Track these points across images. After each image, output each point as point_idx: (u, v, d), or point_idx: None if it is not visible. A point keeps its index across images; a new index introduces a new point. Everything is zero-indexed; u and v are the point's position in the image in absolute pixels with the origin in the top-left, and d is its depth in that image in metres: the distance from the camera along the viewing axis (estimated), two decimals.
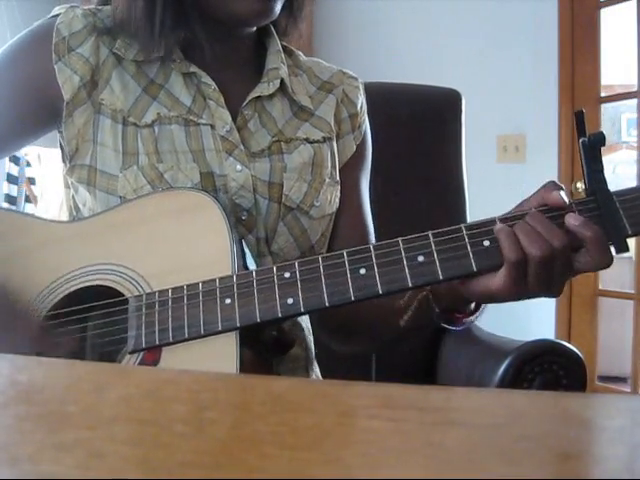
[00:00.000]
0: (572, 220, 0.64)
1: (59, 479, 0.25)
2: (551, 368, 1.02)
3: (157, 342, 0.67)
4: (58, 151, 0.84)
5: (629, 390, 2.53)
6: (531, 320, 2.37)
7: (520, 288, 0.65)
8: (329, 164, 0.87)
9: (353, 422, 0.33)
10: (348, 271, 0.66)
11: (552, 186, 0.66)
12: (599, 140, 0.66)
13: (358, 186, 0.92)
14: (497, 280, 0.64)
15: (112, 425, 0.31)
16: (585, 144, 0.67)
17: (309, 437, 0.30)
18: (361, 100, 0.93)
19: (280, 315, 0.66)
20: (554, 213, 0.65)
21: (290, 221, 0.82)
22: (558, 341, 1.09)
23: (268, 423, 0.32)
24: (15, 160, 2.41)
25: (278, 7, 0.79)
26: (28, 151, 2.45)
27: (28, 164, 2.48)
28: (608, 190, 0.66)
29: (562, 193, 0.65)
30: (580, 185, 2.49)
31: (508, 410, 0.35)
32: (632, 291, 2.51)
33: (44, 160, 2.53)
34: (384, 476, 0.26)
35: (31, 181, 2.51)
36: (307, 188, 0.83)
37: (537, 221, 0.64)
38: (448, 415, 0.35)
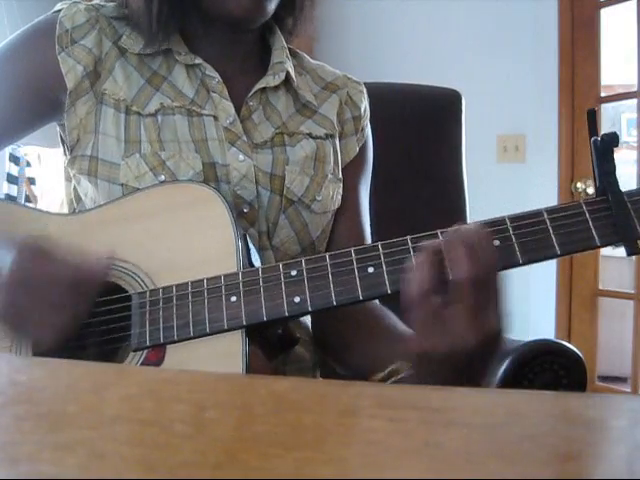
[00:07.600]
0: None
1: (59, 479, 0.25)
2: (551, 368, 1.02)
3: (162, 340, 0.66)
4: (58, 149, 0.84)
5: (629, 390, 2.52)
6: (531, 320, 2.37)
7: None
8: (331, 160, 0.87)
9: (353, 422, 0.33)
10: (356, 270, 0.64)
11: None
12: (612, 140, 0.65)
13: (357, 189, 0.92)
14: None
15: (112, 425, 0.31)
16: (597, 144, 0.65)
17: (309, 437, 0.30)
18: (365, 104, 0.94)
19: (287, 314, 0.65)
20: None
21: (291, 214, 0.82)
22: (558, 341, 1.08)
23: (269, 423, 0.32)
24: (15, 160, 2.41)
25: (271, 6, 0.79)
26: (28, 151, 2.45)
27: (28, 164, 2.48)
28: (620, 191, 0.64)
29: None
30: (580, 185, 2.49)
31: (508, 410, 0.35)
32: (632, 291, 2.50)
33: (44, 160, 2.53)
34: (384, 476, 0.26)
35: (31, 181, 2.51)
36: (309, 182, 0.83)
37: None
38: (448, 415, 0.35)
